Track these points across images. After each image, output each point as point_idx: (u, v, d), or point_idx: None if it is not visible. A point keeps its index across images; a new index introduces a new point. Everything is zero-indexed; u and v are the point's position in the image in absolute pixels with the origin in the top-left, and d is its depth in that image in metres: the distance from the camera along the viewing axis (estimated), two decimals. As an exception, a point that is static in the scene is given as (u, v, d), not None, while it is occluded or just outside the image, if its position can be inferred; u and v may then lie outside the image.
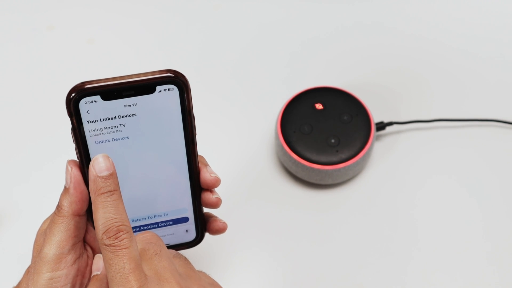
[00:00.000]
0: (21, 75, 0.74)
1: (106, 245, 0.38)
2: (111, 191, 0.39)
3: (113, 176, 0.40)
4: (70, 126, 0.41)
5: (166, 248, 0.42)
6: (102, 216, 0.39)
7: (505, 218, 0.63)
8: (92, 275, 0.41)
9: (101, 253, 0.44)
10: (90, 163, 0.40)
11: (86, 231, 0.45)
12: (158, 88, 0.41)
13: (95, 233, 0.39)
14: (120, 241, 0.38)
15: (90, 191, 0.40)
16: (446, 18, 0.80)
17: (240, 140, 0.69)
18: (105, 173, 0.39)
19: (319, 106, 0.65)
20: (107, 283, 0.40)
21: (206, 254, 0.59)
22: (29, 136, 0.68)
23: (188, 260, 0.44)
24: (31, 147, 0.68)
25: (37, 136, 0.68)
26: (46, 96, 0.71)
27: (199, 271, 0.44)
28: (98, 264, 0.41)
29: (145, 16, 0.80)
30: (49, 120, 0.69)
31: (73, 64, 0.75)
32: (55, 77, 0.74)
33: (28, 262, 0.53)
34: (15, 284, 0.52)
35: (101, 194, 0.39)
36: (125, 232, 0.38)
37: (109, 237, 0.38)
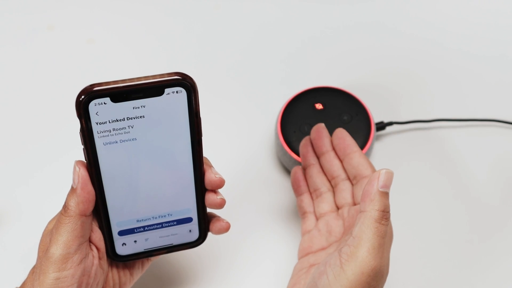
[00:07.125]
0: (21, 75, 0.74)
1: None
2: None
3: None
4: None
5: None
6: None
7: (505, 218, 0.63)
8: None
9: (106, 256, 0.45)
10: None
11: (92, 231, 0.45)
12: (167, 90, 0.41)
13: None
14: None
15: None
16: (446, 18, 0.80)
17: (240, 140, 0.69)
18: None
19: (319, 106, 0.65)
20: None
21: (206, 252, 0.59)
22: (30, 137, 0.68)
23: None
24: (32, 148, 0.68)
25: (38, 136, 0.68)
26: (46, 96, 0.71)
27: None
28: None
29: (145, 16, 0.80)
30: (50, 120, 0.69)
31: (73, 64, 0.75)
32: (55, 77, 0.73)
33: (30, 262, 0.53)
34: (18, 284, 0.52)
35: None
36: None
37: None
